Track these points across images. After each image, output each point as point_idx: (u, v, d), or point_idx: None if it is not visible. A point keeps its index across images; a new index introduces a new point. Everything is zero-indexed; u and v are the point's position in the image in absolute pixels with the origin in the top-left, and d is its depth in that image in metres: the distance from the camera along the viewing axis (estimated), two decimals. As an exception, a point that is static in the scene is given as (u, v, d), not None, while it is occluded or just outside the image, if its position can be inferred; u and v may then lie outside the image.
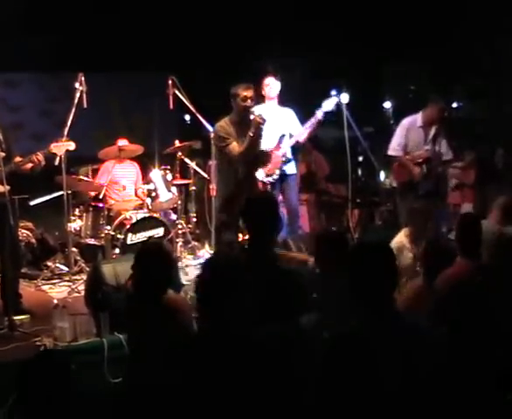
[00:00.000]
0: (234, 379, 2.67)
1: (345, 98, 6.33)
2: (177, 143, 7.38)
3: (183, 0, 9.71)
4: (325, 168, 8.60)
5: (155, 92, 7.95)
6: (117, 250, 6.33)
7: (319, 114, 6.25)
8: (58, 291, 6.21)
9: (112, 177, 6.83)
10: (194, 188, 7.58)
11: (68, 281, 6.27)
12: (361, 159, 8.78)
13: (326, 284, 3.66)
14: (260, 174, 6.23)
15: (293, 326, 3.16)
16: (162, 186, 6.93)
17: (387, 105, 10.52)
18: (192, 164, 7.52)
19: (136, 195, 7.06)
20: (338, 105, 6.30)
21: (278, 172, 6.37)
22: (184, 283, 5.89)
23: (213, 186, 6.19)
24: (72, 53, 9.57)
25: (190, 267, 6.89)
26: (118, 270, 4.91)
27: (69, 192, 6.35)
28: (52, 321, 4.81)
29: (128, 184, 6.99)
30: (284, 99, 6.62)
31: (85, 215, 6.77)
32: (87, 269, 6.24)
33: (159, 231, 6.48)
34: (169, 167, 7.22)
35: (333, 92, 6.31)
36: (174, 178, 7.21)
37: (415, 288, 4.09)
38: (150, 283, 3.68)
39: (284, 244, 5.45)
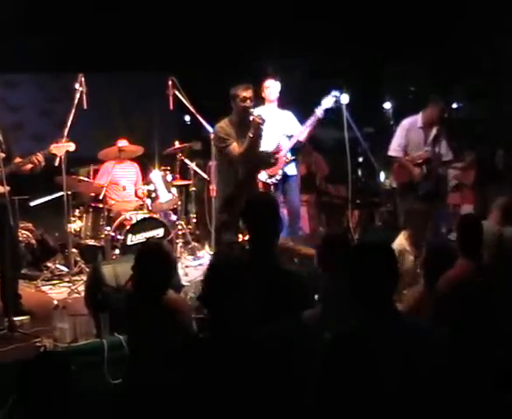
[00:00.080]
0: (234, 379, 2.67)
1: (345, 98, 6.32)
2: (177, 144, 7.39)
3: (183, 0, 9.71)
4: (324, 169, 8.60)
5: (155, 93, 7.94)
6: (117, 251, 6.32)
7: (318, 112, 6.25)
8: (58, 292, 6.20)
9: (112, 178, 6.83)
10: (194, 188, 7.59)
11: (68, 282, 6.27)
12: (361, 159, 8.78)
13: (329, 284, 3.65)
14: (263, 175, 6.24)
15: (294, 326, 3.16)
16: (162, 187, 6.93)
17: (387, 105, 10.50)
18: (192, 165, 7.52)
19: (136, 195, 7.05)
20: (338, 102, 6.29)
21: (281, 172, 6.38)
22: (184, 284, 5.90)
23: (213, 187, 6.19)
24: (72, 53, 9.57)
25: (189, 268, 6.89)
26: (118, 270, 4.91)
27: (69, 193, 6.35)
28: (52, 322, 4.81)
29: (128, 185, 6.98)
30: (284, 100, 6.62)
31: (85, 215, 6.76)
32: (87, 270, 6.24)
33: (159, 232, 6.48)
34: (169, 167, 7.22)
35: (334, 93, 6.29)
36: (174, 179, 7.22)
37: (416, 295, 4.07)
38: (150, 283, 3.68)
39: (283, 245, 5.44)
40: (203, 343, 2.87)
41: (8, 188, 5.06)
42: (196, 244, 7.51)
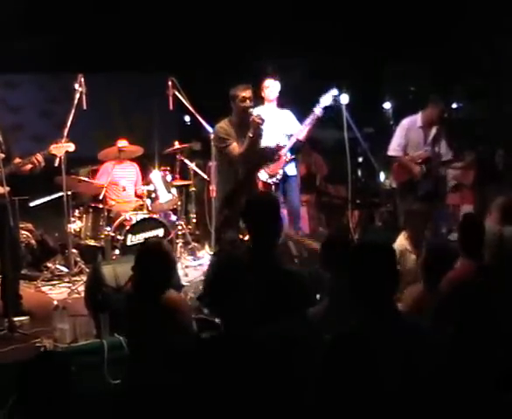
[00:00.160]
0: (234, 379, 2.67)
1: (345, 98, 6.32)
2: (177, 144, 7.38)
3: (183, 0, 9.71)
4: (324, 169, 8.61)
5: (154, 93, 7.94)
6: (117, 251, 6.32)
7: (317, 110, 6.24)
8: (57, 293, 6.20)
9: (112, 178, 6.83)
10: (194, 189, 7.58)
11: (68, 282, 6.26)
12: (361, 160, 8.78)
13: (331, 285, 3.65)
14: (264, 175, 6.23)
15: (295, 326, 3.15)
16: (162, 187, 6.92)
17: (387, 105, 10.51)
18: (192, 165, 7.52)
19: (136, 195, 7.05)
20: (336, 101, 6.28)
21: (281, 172, 6.37)
22: (184, 284, 5.89)
23: (213, 187, 6.19)
24: (72, 54, 9.58)
25: (189, 268, 6.89)
26: (118, 271, 4.91)
27: (69, 193, 6.35)
28: (52, 322, 4.80)
29: (128, 185, 6.98)
30: (284, 100, 6.62)
31: (85, 216, 6.76)
32: (87, 270, 6.23)
33: (159, 232, 6.48)
34: (168, 168, 7.22)
35: (332, 91, 6.28)
36: (174, 179, 7.21)
37: (415, 295, 4.07)
38: (150, 282, 3.68)
39: (284, 246, 5.44)
40: (203, 343, 2.87)
41: (8, 188, 5.05)
42: (196, 245, 7.51)
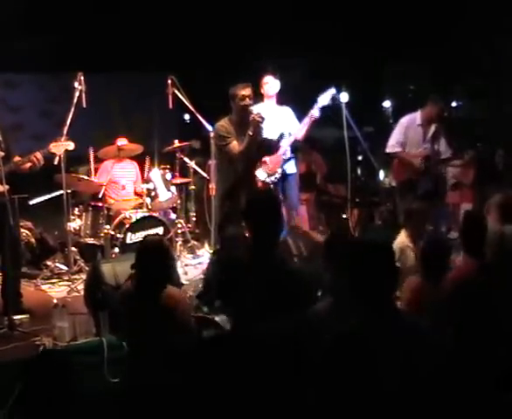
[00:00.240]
0: (235, 378, 2.67)
1: (344, 97, 6.31)
2: (177, 143, 7.38)
3: (183, 0, 9.71)
4: (323, 168, 8.60)
5: (154, 92, 7.94)
6: (116, 250, 6.31)
7: (314, 112, 6.22)
8: (57, 291, 6.19)
9: (111, 177, 6.83)
10: (193, 187, 7.58)
11: (68, 280, 6.27)
12: (360, 158, 8.77)
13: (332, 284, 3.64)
14: (263, 174, 6.22)
15: (296, 324, 3.15)
16: (162, 185, 6.92)
17: (387, 104, 10.52)
18: (192, 163, 7.52)
19: (136, 194, 7.05)
20: (335, 99, 6.27)
21: (280, 171, 6.36)
22: (184, 282, 5.89)
23: (213, 185, 6.19)
24: (72, 53, 9.58)
25: (189, 266, 6.89)
26: (117, 269, 4.91)
27: (68, 191, 6.35)
28: (52, 321, 4.80)
29: (128, 183, 6.98)
30: (284, 100, 6.61)
31: (84, 214, 6.76)
32: (87, 268, 6.23)
33: (158, 230, 6.46)
34: (168, 166, 7.22)
35: (330, 90, 6.27)
36: (173, 177, 7.21)
37: (413, 286, 4.07)
38: (150, 278, 3.68)
39: (283, 244, 5.43)
40: (205, 343, 2.87)
41: (7, 186, 5.06)
42: (195, 243, 7.51)
